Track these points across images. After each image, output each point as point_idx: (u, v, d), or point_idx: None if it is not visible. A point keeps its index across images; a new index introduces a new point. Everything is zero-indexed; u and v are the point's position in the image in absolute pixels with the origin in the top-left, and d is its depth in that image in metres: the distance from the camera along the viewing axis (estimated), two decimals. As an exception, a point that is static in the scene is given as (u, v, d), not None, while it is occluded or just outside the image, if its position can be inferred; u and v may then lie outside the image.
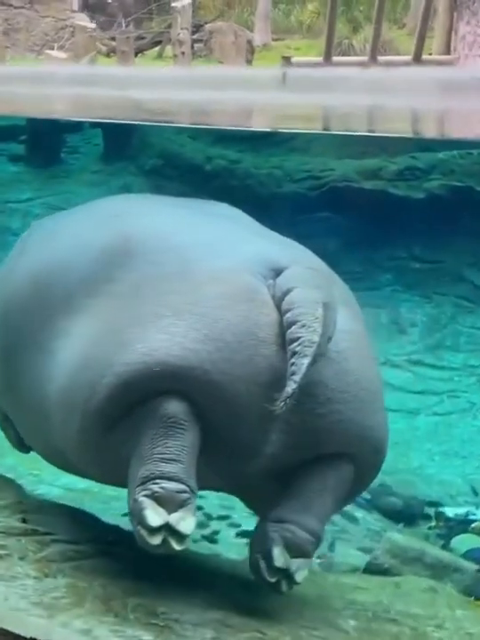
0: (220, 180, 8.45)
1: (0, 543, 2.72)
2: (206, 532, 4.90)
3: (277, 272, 2.61)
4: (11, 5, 16.59)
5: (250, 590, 2.83)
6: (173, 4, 14.70)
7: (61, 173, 9.50)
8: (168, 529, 2.41)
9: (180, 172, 8.73)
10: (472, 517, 5.23)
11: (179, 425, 2.47)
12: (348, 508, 5.20)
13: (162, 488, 2.42)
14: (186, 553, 3.13)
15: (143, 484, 2.43)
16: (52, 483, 4.44)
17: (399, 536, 4.11)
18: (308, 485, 2.64)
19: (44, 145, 9.78)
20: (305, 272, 2.62)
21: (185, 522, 2.42)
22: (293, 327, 2.47)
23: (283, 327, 2.51)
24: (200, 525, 4.93)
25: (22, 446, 3.35)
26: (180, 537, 2.43)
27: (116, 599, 2.55)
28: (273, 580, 2.60)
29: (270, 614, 2.70)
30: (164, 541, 2.42)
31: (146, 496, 2.42)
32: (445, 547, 4.80)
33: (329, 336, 2.52)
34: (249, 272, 2.60)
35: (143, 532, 2.42)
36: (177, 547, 2.43)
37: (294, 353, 2.43)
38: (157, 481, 2.42)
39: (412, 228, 7.89)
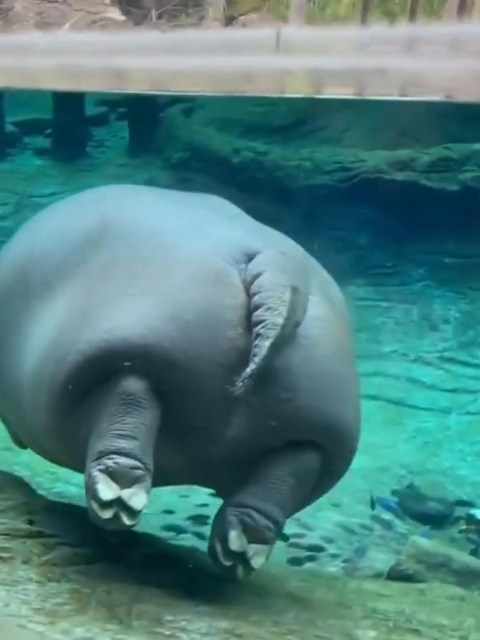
0: (248, 173, 8.31)
1: (3, 545, 2.63)
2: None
3: (251, 257, 2.62)
4: None
5: (262, 597, 2.72)
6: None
7: (87, 167, 9.46)
8: (120, 504, 2.44)
9: (207, 165, 8.60)
10: (505, 521, 5.03)
11: (137, 402, 2.49)
12: (375, 509, 5.08)
13: (116, 463, 2.45)
14: (195, 558, 3.03)
15: (98, 458, 2.47)
16: (69, 480, 4.35)
17: (425, 540, 3.95)
18: (271, 472, 2.62)
19: (70, 138, 9.73)
20: (276, 257, 2.63)
21: (137, 497, 2.45)
22: (259, 310, 2.49)
23: (250, 310, 2.52)
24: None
25: (18, 441, 3.33)
26: (132, 512, 2.45)
27: (121, 605, 2.47)
28: (228, 563, 2.58)
29: (283, 623, 2.59)
30: (116, 516, 2.44)
31: (100, 470, 2.46)
32: (476, 551, 4.62)
33: (297, 321, 2.53)
34: (221, 256, 2.61)
35: (95, 506, 2.45)
36: (128, 522, 2.45)
37: (258, 335, 2.45)
38: (112, 456, 2.46)
39: (445, 221, 7.67)
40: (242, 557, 2.58)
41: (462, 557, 3.84)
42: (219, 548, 2.59)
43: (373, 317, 7.58)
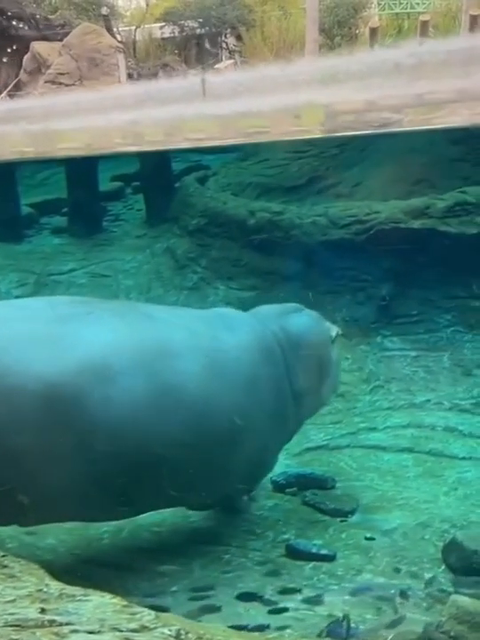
0: (265, 234, 8.33)
1: (12, 637, 2.53)
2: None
3: None
4: (61, 83, 17.14)
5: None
6: (216, 66, 14.95)
7: (104, 241, 9.58)
8: None
9: (225, 229, 8.66)
10: None
11: None
12: (415, 567, 4.88)
13: None
14: None
15: None
16: (98, 561, 4.23)
17: (467, 599, 3.74)
18: None
19: (86, 215, 9.88)
20: None
21: None
22: None
23: None
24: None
25: None
26: None
27: None
28: None
29: None
30: None
31: None
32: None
33: None
34: None
35: None
36: None
37: None
38: None
39: (469, 264, 7.57)
40: None
41: (507, 616, 3.62)
42: None
43: (403, 368, 7.44)
